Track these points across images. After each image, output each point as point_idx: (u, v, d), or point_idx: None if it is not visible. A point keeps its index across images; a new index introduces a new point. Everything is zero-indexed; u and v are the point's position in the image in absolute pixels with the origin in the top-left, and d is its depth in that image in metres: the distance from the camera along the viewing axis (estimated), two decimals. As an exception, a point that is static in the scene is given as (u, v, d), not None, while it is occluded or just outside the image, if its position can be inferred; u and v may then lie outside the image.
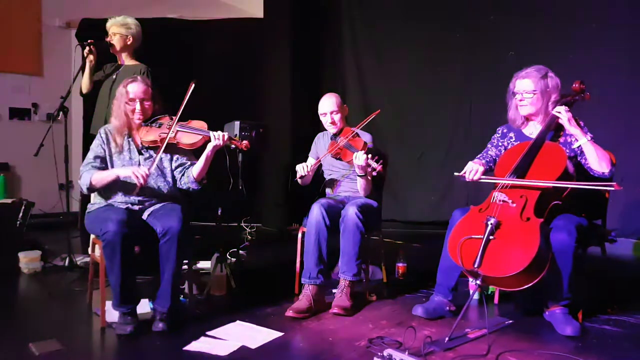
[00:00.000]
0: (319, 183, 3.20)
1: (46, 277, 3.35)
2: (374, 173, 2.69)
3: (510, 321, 2.58)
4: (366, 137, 2.98)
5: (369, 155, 2.69)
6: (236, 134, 3.46)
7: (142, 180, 2.42)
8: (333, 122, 2.99)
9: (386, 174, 3.16)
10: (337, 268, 2.95)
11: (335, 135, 3.00)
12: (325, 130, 3.11)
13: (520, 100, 2.61)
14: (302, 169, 2.86)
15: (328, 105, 2.99)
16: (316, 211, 2.76)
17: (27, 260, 3.43)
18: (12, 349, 2.24)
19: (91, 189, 2.52)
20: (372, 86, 5.37)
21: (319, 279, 2.73)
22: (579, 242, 2.34)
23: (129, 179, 2.47)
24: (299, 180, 2.94)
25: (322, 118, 3.04)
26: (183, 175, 2.67)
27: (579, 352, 2.20)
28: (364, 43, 5.38)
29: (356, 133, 2.92)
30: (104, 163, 2.58)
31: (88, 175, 2.50)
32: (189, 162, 2.70)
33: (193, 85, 2.59)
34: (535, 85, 2.57)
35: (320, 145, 3.18)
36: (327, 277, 2.79)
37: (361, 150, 2.76)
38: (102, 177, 2.50)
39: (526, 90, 2.58)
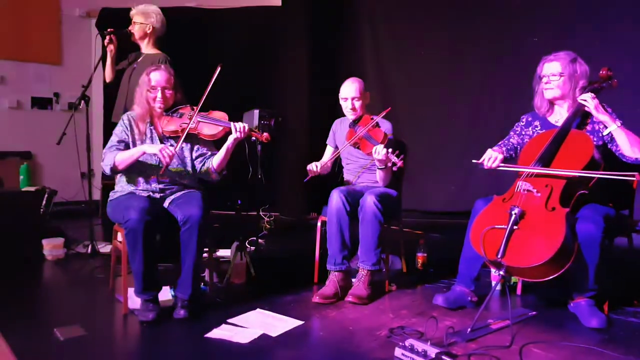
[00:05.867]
0: (338, 170, 3.18)
1: (69, 264, 3.40)
2: (395, 168, 2.64)
3: (534, 312, 2.54)
4: (386, 125, 2.90)
5: (390, 150, 2.61)
6: (256, 126, 3.43)
7: (168, 159, 2.44)
8: (353, 109, 2.93)
9: (406, 164, 3.13)
10: (356, 257, 2.94)
11: (354, 122, 2.95)
12: (344, 116, 3.06)
13: (546, 83, 2.55)
14: (314, 167, 2.82)
15: (350, 90, 2.93)
16: (336, 198, 2.74)
17: (51, 247, 3.48)
18: (37, 333, 2.29)
19: (114, 169, 2.52)
20: (391, 75, 5.28)
21: (344, 265, 2.73)
22: (605, 233, 2.29)
23: (155, 158, 2.49)
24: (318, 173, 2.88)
25: (342, 102, 2.98)
26: (203, 165, 2.68)
27: (605, 345, 2.16)
28: (383, 32, 5.29)
29: (376, 123, 2.85)
30: (127, 148, 2.58)
31: (112, 155, 2.51)
32: (209, 153, 2.70)
33: (219, 69, 2.55)
34: (563, 68, 2.51)
35: (339, 132, 3.12)
36: (350, 263, 2.78)
37: (381, 142, 2.70)
38: (127, 156, 2.50)
39: (553, 72, 2.53)
